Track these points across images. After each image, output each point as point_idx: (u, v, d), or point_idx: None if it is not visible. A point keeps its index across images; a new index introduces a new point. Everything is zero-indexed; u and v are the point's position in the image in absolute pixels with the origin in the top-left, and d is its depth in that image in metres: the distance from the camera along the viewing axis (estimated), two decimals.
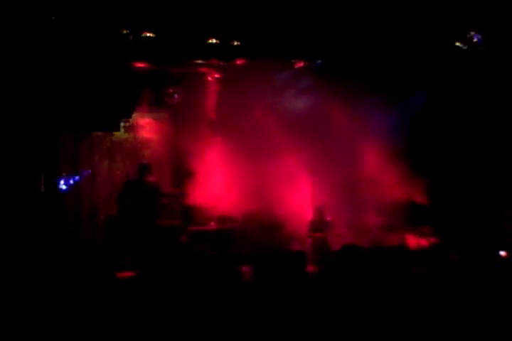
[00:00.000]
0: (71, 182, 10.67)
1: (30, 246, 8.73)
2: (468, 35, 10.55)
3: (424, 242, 10.40)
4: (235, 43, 10.17)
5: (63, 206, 10.14)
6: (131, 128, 11.53)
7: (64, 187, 10.48)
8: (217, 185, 10.92)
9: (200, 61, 10.98)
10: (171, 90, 11.63)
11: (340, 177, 10.95)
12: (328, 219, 10.92)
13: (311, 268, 9.28)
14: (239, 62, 10.98)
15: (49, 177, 9.80)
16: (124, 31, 9.68)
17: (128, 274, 9.33)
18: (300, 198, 11.10)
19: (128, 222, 9.85)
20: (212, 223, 11.00)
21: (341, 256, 8.82)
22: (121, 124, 11.12)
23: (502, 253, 9.61)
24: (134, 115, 11.08)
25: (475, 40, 10.49)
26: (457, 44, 10.57)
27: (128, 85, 10.29)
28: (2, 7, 8.82)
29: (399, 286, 7.66)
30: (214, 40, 9.99)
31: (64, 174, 10.49)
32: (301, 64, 11.43)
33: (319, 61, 11.29)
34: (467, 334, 6.27)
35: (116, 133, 11.36)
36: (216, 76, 11.53)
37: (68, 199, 10.58)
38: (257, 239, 10.89)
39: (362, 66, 10.71)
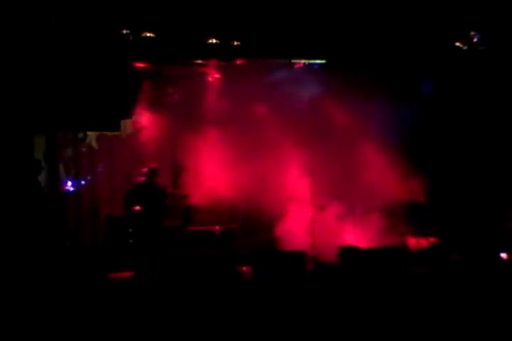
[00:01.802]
0: (81, 183, 10.68)
1: (27, 246, 8.75)
2: (468, 35, 10.54)
3: (424, 242, 10.39)
4: (235, 43, 10.16)
5: (63, 205, 10.15)
6: (131, 128, 11.51)
7: (71, 188, 10.48)
8: (216, 182, 10.92)
9: (200, 61, 10.99)
10: (170, 90, 11.61)
11: (339, 175, 10.95)
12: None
13: (310, 268, 9.28)
14: (239, 62, 10.99)
15: (49, 177, 9.81)
16: (124, 31, 9.68)
17: (125, 274, 9.35)
18: (299, 197, 11.09)
19: (136, 224, 9.89)
20: (217, 227, 10.99)
21: (341, 256, 8.82)
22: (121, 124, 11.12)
23: (503, 255, 9.60)
24: (134, 114, 11.07)
25: (475, 40, 10.48)
26: (457, 44, 10.55)
27: (128, 85, 10.28)
28: (2, 7, 8.83)
29: (399, 286, 7.66)
30: (214, 40, 9.98)
31: (64, 174, 10.49)
32: (301, 64, 11.44)
33: (319, 61, 11.29)
34: (467, 334, 6.26)
35: (117, 133, 11.35)
36: (216, 76, 11.52)
37: (69, 199, 10.58)
38: (255, 237, 10.92)
39: (362, 65, 10.70)
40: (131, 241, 9.99)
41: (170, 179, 11.73)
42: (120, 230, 10.21)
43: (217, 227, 11.01)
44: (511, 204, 10.49)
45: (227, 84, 11.37)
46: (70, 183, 10.50)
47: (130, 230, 9.99)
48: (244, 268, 9.41)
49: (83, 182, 10.82)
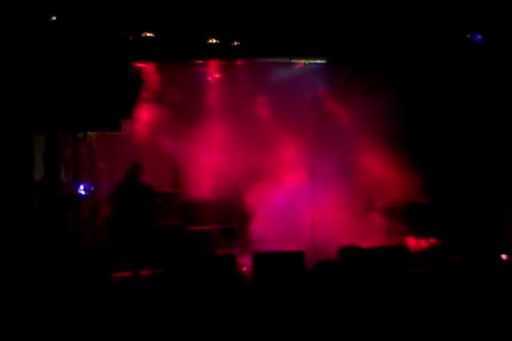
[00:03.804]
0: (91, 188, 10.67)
1: (28, 247, 8.76)
2: (468, 35, 10.54)
3: (424, 242, 10.39)
4: (235, 43, 10.16)
5: (64, 206, 10.15)
6: (131, 127, 11.49)
7: (83, 192, 10.47)
8: (216, 180, 10.95)
9: (200, 61, 11.01)
10: (171, 89, 11.62)
11: (339, 174, 10.97)
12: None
13: (310, 268, 9.27)
14: (239, 62, 11.01)
15: (49, 177, 9.82)
16: (124, 31, 9.68)
17: (124, 274, 9.36)
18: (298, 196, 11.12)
19: (124, 223, 9.87)
20: (218, 226, 11.00)
21: (341, 255, 8.83)
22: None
23: (503, 256, 9.60)
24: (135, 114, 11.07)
25: (475, 40, 10.48)
26: (458, 44, 10.55)
27: (128, 85, 10.29)
28: (2, 7, 8.84)
29: (398, 287, 7.67)
30: (214, 40, 9.98)
31: (64, 174, 10.48)
32: (301, 64, 11.44)
33: (319, 61, 11.30)
34: (467, 334, 6.27)
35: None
36: (216, 76, 11.54)
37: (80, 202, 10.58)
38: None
39: (363, 64, 10.70)
40: (127, 241, 9.98)
41: (170, 178, 11.74)
42: (114, 230, 10.20)
43: (217, 227, 11.03)
44: (511, 204, 10.49)
45: (227, 84, 11.41)
46: (82, 187, 10.49)
47: (122, 229, 9.98)
48: (244, 269, 9.42)
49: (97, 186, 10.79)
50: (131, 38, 9.75)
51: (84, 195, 10.50)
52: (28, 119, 9.37)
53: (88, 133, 10.56)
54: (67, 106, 9.68)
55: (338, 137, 11.33)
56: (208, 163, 11.00)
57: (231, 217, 11.27)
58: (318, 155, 11.01)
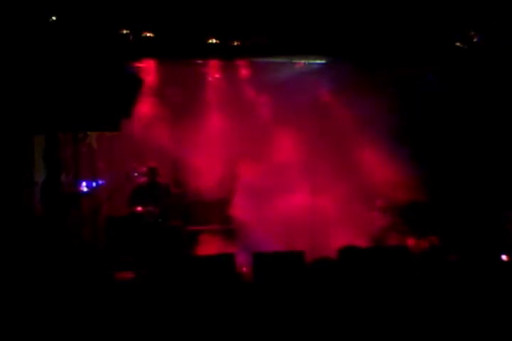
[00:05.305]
0: (93, 185, 10.71)
1: (29, 246, 8.78)
2: (468, 35, 10.54)
3: (424, 243, 10.40)
4: (235, 43, 10.16)
5: (65, 205, 10.17)
6: (131, 127, 11.49)
7: (85, 189, 10.52)
8: (217, 180, 10.96)
9: (200, 61, 11.01)
10: (171, 89, 11.62)
11: (338, 173, 10.98)
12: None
13: (310, 268, 9.27)
14: (239, 62, 11.03)
15: (49, 177, 9.82)
16: (124, 31, 9.68)
17: (127, 275, 9.37)
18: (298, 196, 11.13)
19: (142, 224, 9.96)
20: (218, 226, 11.02)
21: (341, 255, 8.82)
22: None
23: (503, 257, 9.60)
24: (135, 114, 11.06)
25: (475, 40, 10.48)
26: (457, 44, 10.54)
27: (128, 85, 10.28)
28: (2, 6, 8.84)
29: (399, 287, 7.67)
30: (214, 40, 9.98)
31: (64, 174, 10.49)
32: (301, 64, 11.45)
33: (319, 61, 11.31)
34: (467, 335, 6.28)
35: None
36: (216, 76, 11.55)
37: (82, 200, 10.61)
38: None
39: (364, 63, 10.71)
40: (134, 241, 10.03)
41: (171, 178, 11.75)
42: (122, 231, 10.24)
43: (217, 227, 11.04)
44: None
45: (227, 84, 11.43)
46: (84, 184, 10.52)
47: (134, 230, 10.06)
48: (244, 269, 9.42)
49: (98, 183, 10.83)
50: (131, 37, 9.75)
51: (86, 191, 10.55)
52: (28, 120, 9.38)
53: (88, 133, 10.60)
54: (67, 106, 9.68)
55: (338, 136, 11.34)
56: (208, 163, 11.01)
57: (231, 217, 11.27)
58: (318, 154, 11.02)
